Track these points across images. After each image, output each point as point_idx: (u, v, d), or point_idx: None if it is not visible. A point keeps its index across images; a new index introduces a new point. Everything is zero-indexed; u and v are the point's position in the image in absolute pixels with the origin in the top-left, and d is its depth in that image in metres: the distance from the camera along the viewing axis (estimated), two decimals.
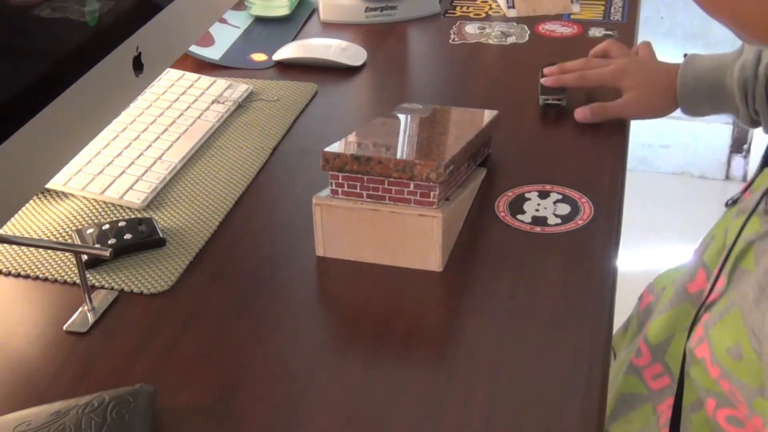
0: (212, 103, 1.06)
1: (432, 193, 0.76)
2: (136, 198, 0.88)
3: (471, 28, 1.28)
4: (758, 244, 0.83)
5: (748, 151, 2.62)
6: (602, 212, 0.85)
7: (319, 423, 0.63)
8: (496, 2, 1.35)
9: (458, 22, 1.31)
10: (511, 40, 1.24)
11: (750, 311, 0.80)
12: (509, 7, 1.31)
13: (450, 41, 1.25)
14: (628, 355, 0.98)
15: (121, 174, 0.91)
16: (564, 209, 0.85)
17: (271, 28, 1.30)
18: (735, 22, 0.74)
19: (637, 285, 1.11)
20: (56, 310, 0.75)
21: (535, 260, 0.79)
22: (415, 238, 0.77)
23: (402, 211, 0.77)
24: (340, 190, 0.78)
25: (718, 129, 2.60)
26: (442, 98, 1.09)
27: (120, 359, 0.70)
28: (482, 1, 1.37)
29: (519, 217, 0.84)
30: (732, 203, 0.94)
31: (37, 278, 0.79)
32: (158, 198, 0.89)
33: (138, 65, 0.73)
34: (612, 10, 1.32)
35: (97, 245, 0.80)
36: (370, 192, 0.77)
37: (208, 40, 1.23)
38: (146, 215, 0.86)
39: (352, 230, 0.78)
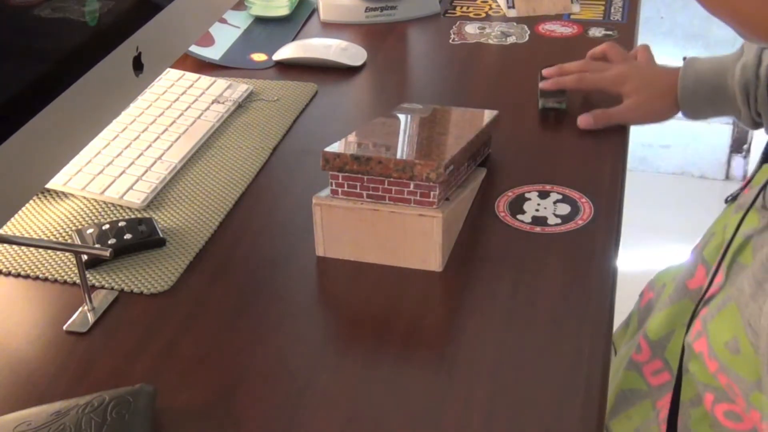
0: (212, 103, 1.06)
1: (432, 193, 0.76)
2: (136, 198, 0.88)
3: (471, 28, 1.28)
4: (756, 239, 0.84)
5: (748, 151, 2.62)
6: (602, 212, 0.85)
7: (319, 423, 0.63)
8: (496, 2, 1.35)
9: (458, 22, 1.31)
10: (511, 40, 1.24)
11: (747, 305, 0.80)
12: (509, 7, 1.31)
13: (450, 41, 1.25)
14: (628, 351, 0.99)
15: (121, 174, 0.91)
16: (564, 209, 0.85)
17: (271, 28, 1.30)
18: (735, 20, 0.74)
19: (637, 285, 1.11)
20: (56, 310, 0.75)
21: (535, 260, 0.79)
22: (415, 238, 0.77)
23: (402, 211, 0.77)
24: (340, 190, 0.78)
25: (718, 129, 2.60)
26: (442, 98, 1.10)
27: (120, 359, 0.70)
28: (482, 1, 1.37)
29: (519, 217, 0.84)
30: (732, 200, 0.94)
31: (37, 278, 0.79)
32: (158, 198, 0.89)
33: (138, 65, 0.73)
34: (612, 10, 1.32)
35: (97, 245, 0.80)
36: (370, 192, 0.77)
37: (208, 40, 1.23)
38: (146, 215, 0.86)
39: (352, 230, 0.78)
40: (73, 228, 0.85)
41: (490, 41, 1.24)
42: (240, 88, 1.09)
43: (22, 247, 0.82)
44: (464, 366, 0.68)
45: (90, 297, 0.74)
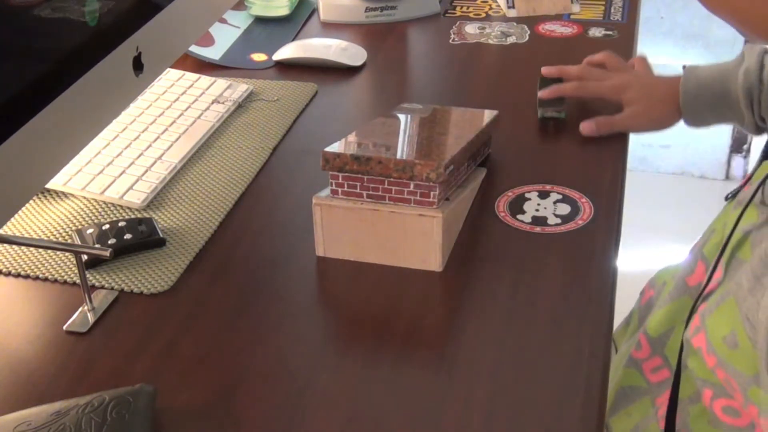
0: (212, 103, 1.06)
1: (432, 193, 0.76)
2: (136, 198, 0.88)
3: (471, 28, 1.28)
4: (754, 234, 0.84)
5: (748, 151, 2.62)
6: (602, 212, 0.85)
7: (319, 423, 0.63)
8: (496, 2, 1.35)
9: (458, 22, 1.31)
10: (511, 40, 1.24)
11: (745, 299, 0.80)
12: (509, 7, 1.31)
13: (450, 41, 1.25)
14: (628, 348, 0.99)
15: (121, 174, 0.91)
16: (564, 209, 0.85)
17: (271, 28, 1.30)
18: (736, 18, 0.74)
19: (636, 285, 1.11)
20: (56, 310, 0.75)
21: (535, 260, 0.79)
22: (415, 238, 0.77)
23: (402, 211, 0.77)
24: (340, 190, 0.78)
25: (718, 129, 2.60)
26: (442, 98, 1.10)
27: (120, 359, 0.70)
28: (482, 1, 1.37)
29: (519, 217, 0.84)
30: (732, 197, 0.94)
31: (37, 278, 0.79)
32: (158, 198, 0.89)
33: (138, 65, 0.73)
34: (612, 10, 1.32)
35: (97, 245, 0.80)
36: (370, 192, 0.77)
37: (208, 40, 1.23)
38: (146, 215, 0.86)
39: (352, 230, 0.78)
40: (73, 228, 0.85)
41: (490, 41, 1.24)
42: (240, 88, 1.09)
43: (22, 247, 0.82)
44: (464, 366, 0.68)
45: (90, 297, 0.74)
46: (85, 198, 0.89)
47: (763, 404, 0.78)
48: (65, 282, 0.78)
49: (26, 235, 0.84)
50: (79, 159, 0.92)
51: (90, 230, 0.82)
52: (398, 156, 0.77)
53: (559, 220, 0.83)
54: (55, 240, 0.83)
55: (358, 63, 1.17)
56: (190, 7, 0.83)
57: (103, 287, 0.77)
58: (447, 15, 1.34)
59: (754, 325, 0.79)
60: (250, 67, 1.19)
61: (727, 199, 0.96)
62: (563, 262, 0.78)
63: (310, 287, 0.78)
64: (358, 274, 0.78)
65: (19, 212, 0.85)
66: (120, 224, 0.82)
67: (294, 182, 0.93)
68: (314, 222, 0.79)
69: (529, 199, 0.87)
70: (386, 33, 1.28)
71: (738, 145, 2.62)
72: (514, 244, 0.81)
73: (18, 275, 0.79)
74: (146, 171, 0.92)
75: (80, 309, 0.74)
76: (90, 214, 0.87)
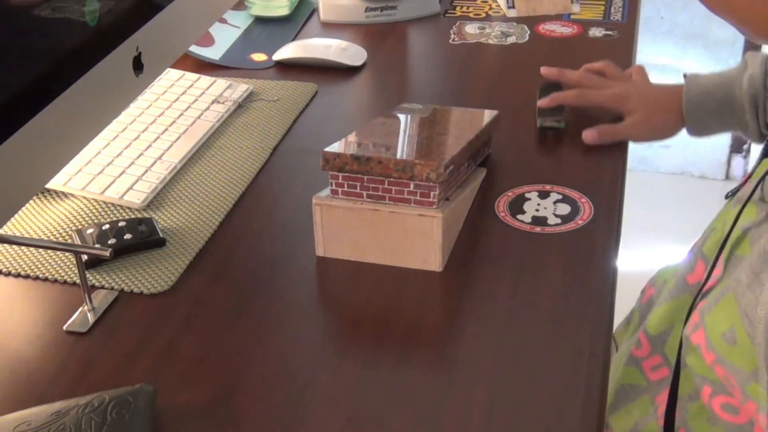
0: (212, 103, 1.06)
1: (432, 193, 0.76)
2: (136, 198, 0.88)
3: (471, 28, 1.28)
4: (753, 231, 0.84)
5: (748, 151, 2.62)
6: (602, 212, 0.85)
7: (319, 423, 0.63)
8: (496, 2, 1.35)
9: (458, 22, 1.31)
10: (511, 40, 1.24)
11: (743, 295, 0.81)
12: (509, 7, 1.31)
13: (450, 41, 1.25)
14: (628, 347, 0.99)
15: (121, 174, 0.91)
16: (564, 209, 0.85)
17: (271, 28, 1.30)
18: (736, 18, 0.74)
19: (636, 284, 1.11)
20: (56, 310, 0.75)
21: (535, 260, 0.79)
22: (415, 238, 0.77)
23: (402, 211, 0.77)
24: (340, 190, 0.78)
25: None
26: (442, 98, 1.09)
27: (120, 359, 0.70)
28: (482, 1, 1.37)
29: (519, 217, 0.84)
30: (732, 195, 0.94)
31: (37, 278, 0.79)
32: (158, 198, 0.89)
33: (138, 65, 0.73)
34: (612, 10, 1.32)
35: (97, 245, 0.80)
36: (370, 192, 0.77)
37: (208, 40, 1.23)
38: (146, 215, 0.86)
39: (352, 230, 0.78)
40: (73, 228, 0.85)
41: (490, 41, 1.24)
42: (240, 88, 1.09)
43: (22, 247, 0.82)
44: (464, 366, 0.68)
45: (90, 297, 0.74)
46: (85, 198, 0.89)
47: (762, 401, 0.79)
48: (65, 282, 0.78)
49: (26, 235, 0.84)
50: (79, 159, 0.92)
51: (90, 230, 0.82)
52: (398, 156, 0.77)
53: (559, 220, 0.83)
54: (55, 240, 0.83)
55: (358, 63, 1.17)
56: (190, 7, 0.83)
57: (103, 287, 0.77)
58: (447, 15, 1.34)
59: (752, 321, 0.79)
60: (250, 67, 1.19)
61: (727, 197, 0.96)
62: (563, 262, 0.78)
63: (310, 287, 0.78)
64: (358, 274, 0.78)
65: (19, 212, 0.85)
66: (120, 224, 0.82)
67: (294, 182, 0.93)
68: (314, 222, 0.79)
69: (529, 199, 0.87)
70: (386, 33, 1.28)
71: (738, 145, 2.62)
72: (514, 244, 0.81)
73: (18, 275, 0.79)
74: (146, 171, 0.92)
75: (80, 309, 0.74)
76: (90, 214, 0.87)
